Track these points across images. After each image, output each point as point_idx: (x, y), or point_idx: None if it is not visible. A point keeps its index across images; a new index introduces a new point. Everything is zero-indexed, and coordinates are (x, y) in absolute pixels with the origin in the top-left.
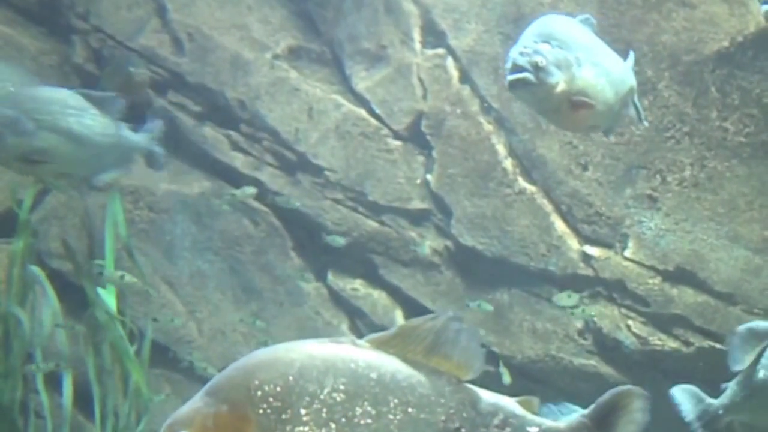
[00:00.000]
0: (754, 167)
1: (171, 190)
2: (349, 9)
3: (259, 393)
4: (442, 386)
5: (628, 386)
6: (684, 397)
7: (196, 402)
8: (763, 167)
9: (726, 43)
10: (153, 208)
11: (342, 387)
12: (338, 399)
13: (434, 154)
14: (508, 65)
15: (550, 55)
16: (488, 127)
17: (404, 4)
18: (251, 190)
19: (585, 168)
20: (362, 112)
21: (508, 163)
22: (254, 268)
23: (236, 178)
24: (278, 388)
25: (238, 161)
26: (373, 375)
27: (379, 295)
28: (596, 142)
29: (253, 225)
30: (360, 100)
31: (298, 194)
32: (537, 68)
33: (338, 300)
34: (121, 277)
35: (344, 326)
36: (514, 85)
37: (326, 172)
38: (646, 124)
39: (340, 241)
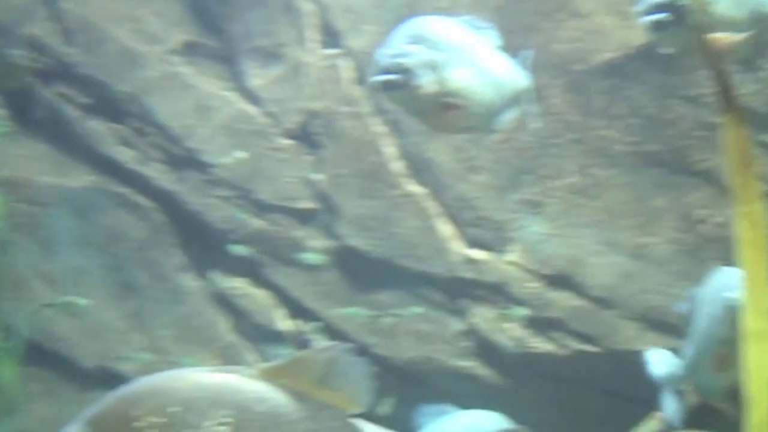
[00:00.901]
0: (634, 176)
1: (53, 183)
2: (246, 6)
3: (141, 425)
4: (329, 421)
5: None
6: (655, 359)
7: None
8: (642, 177)
9: (614, 54)
10: (33, 201)
11: (228, 420)
12: (222, 431)
13: (324, 154)
14: (375, 67)
15: (419, 56)
16: (379, 129)
17: (302, 3)
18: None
19: (473, 172)
20: (254, 110)
21: (397, 165)
22: (136, 265)
23: (122, 173)
24: (162, 420)
25: (125, 155)
26: (260, 408)
27: (263, 295)
28: (485, 147)
29: (137, 221)
30: (253, 98)
31: (185, 191)
32: (404, 70)
33: (220, 299)
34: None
35: (226, 325)
36: (380, 88)
37: (214, 170)
38: (537, 126)
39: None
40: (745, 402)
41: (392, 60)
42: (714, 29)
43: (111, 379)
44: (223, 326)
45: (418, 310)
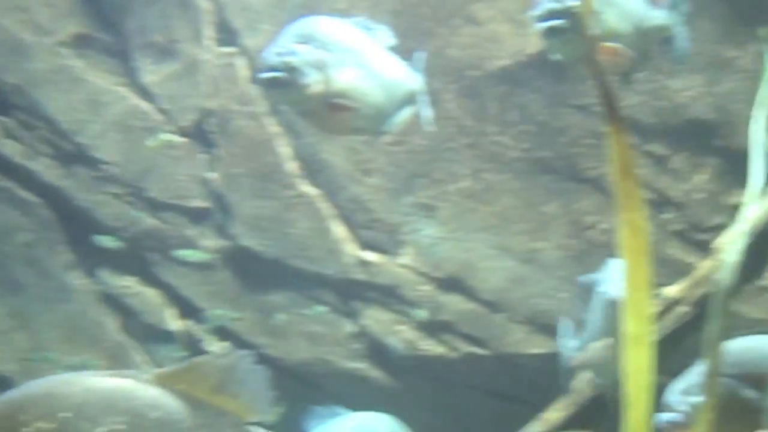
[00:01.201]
0: (525, 182)
1: None
2: (141, 0)
3: (30, 430)
4: (225, 428)
5: None
6: (567, 331)
7: None
8: (533, 182)
9: (508, 62)
10: None
11: (121, 427)
12: None
13: (219, 152)
14: (261, 65)
15: (306, 55)
16: (274, 129)
17: (199, 0)
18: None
19: (367, 174)
20: (147, 107)
21: (291, 166)
22: (21, 262)
23: (7, 167)
24: (52, 426)
25: (11, 149)
26: (155, 415)
27: (152, 294)
28: (380, 149)
29: (24, 217)
30: (146, 94)
31: (74, 187)
32: (290, 68)
33: (108, 298)
34: None
35: (114, 325)
36: (265, 85)
37: (105, 166)
38: (430, 129)
39: (113, 242)
40: (624, 401)
41: (278, 58)
42: (602, 39)
43: None
44: (111, 326)
45: (321, 309)
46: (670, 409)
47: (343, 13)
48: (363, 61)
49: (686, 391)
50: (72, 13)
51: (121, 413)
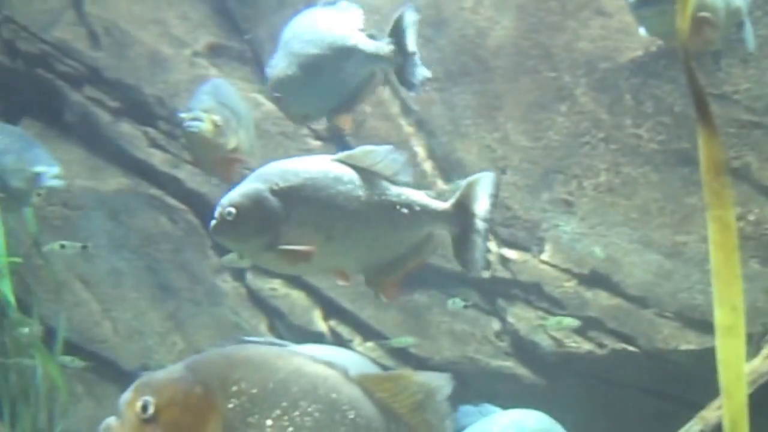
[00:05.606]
0: (665, 174)
1: (86, 187)
2: (270, 8)
3: (235, 388)
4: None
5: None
6: None
7: (174, 373)
8: (674, 174)
9: (640, 53)
10: (68, 204)
11: (315, 414)
12: (307, 424)
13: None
14: None
15: None
16: (408, 130)
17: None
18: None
19: (503, 172)
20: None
21: (427, 165)
22: (172, 267)
23: (154, 176)
24: (255, 390)
25: (156, 158)
26: (351, 414)
27: (298, 296)
28: (514, 147)
29: (171, 223)
30: None
31: (217, 193)
32: None
33: (257, 300)
34: (62, 246)
35: (263, 326)
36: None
37: (246, 171)
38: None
39: None
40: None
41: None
42: (697, 11)
43: None
44: (261, 327)
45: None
46: None
47: (471, 12)
48: None
49: None
50: (204, 24)
51: (319, 401)
